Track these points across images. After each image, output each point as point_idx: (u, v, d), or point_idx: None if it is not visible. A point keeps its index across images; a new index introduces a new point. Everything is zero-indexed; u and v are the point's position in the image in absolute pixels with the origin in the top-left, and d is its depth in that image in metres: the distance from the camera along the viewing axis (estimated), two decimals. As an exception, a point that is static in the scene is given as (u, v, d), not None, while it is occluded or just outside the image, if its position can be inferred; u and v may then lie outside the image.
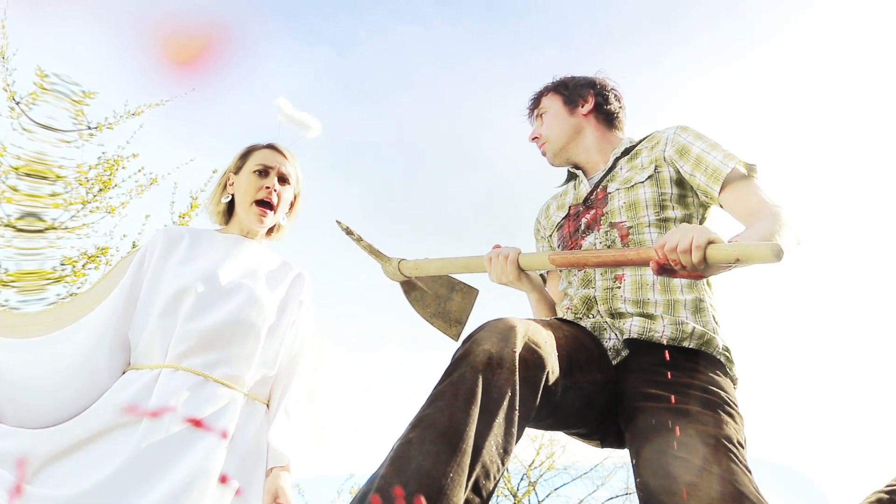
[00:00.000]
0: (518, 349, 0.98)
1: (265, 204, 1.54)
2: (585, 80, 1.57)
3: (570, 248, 1.43)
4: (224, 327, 1.38)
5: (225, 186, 1.60)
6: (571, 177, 1.61)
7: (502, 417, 0.93)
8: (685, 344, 1.24)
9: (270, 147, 1.61)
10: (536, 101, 1.60)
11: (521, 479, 15.14)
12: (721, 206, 1.33)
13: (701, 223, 1.39)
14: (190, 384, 1.33)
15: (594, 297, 1.35)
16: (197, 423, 1.28)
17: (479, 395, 0.92)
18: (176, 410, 1.28)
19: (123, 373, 1.39)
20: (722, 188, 1.29)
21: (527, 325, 1.06)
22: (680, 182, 1.38)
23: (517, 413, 0.95)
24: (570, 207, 1.51)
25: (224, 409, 1.34)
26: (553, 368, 1.05)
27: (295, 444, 1.43)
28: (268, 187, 1.54)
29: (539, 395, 1.01)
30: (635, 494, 1.11)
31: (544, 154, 1.57)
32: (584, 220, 1.44)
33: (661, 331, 1.24)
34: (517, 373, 0.96)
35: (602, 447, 1.36)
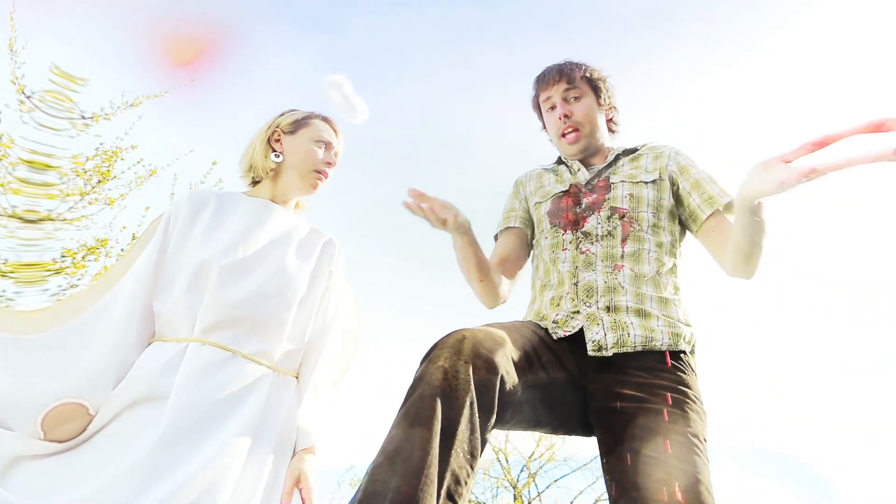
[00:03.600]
0: (470, 358, 1.06)
1: (323, 173, 1.54)
2: (613, 87, 1.63)
3: (568, 221, 1.49)
4: (253, 300, 1.31)
5: (269, 142, 1.54)
6: (560, 162, 1.66)
7: (465, 425, 1.01)
8: (679, 348, 1.30)
9: (331, 122, 1.60)
10: (571, 80, 1.55)
11: (521, 471, 15.20)
12: (696, 230, 1.45)
13: (677, 243, 1.49)
14: (217, 360, 1.26)
15: (597, 285, 1.37)
16: (222, 404, 1.22)
17: (439, 409, 0.99)
18: (201, 389, 1.22)
19: (149, 344, 1.31)
20: (711, 215, 1.42)
21: (477, 332, 1.12)
22: (673, 195, 1.49)
23: (478, 418, 1.03)
24: (570, 185, 1.56)
25: (252, 386, 1.28)
26: (508, 370, 1.10)
27: (322, 423, 1.36)
28: (329, 163, 1.55)
29: (497, 397, 1.06)
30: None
31: (572, 138, 1.56)
32: (585, 201, 1.50)
33: (661, 339, 1.29)
34: (472, 381, 1.03)
35: (567, 435, 1.41)
